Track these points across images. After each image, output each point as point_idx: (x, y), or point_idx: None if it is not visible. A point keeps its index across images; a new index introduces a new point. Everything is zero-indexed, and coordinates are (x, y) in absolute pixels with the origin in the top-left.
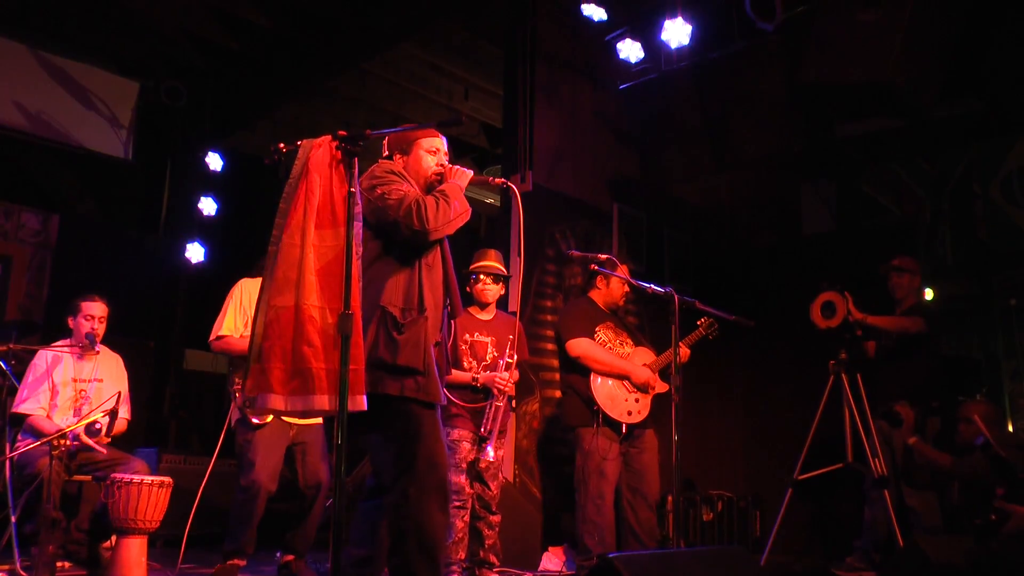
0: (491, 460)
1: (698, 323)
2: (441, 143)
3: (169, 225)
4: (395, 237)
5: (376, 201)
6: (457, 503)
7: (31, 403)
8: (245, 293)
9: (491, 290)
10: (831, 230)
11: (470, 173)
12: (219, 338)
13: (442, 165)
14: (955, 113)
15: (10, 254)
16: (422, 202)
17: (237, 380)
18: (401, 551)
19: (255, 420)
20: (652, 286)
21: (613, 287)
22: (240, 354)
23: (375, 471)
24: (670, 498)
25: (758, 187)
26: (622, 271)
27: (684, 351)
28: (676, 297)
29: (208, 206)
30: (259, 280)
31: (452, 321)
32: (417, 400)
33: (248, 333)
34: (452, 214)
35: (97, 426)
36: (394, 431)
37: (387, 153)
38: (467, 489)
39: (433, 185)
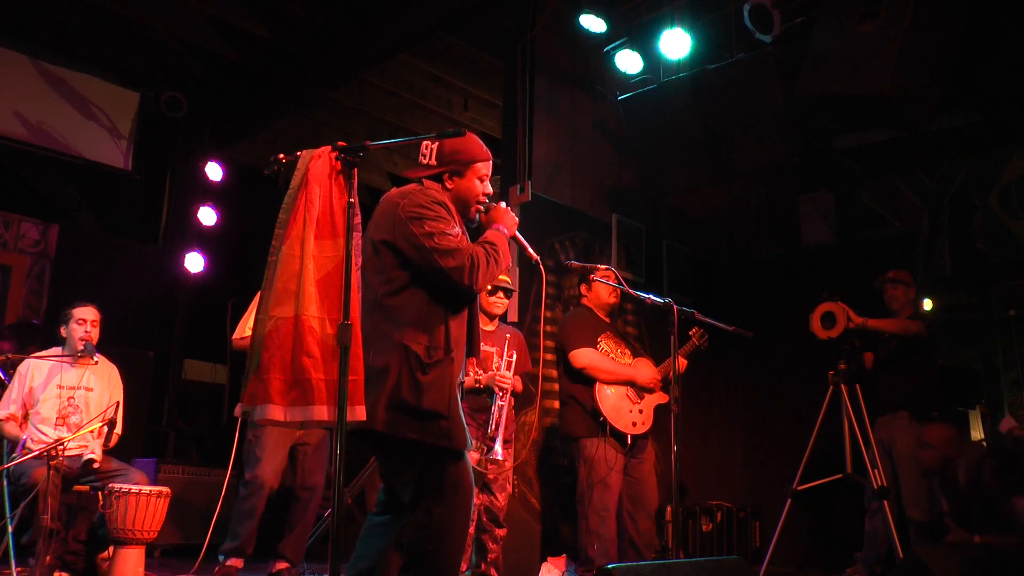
0: (499, 459)
1: (689, 333)
2: (490, 169)
3: (168, 235)
4: (433, 279)
5: (423, 239)
6: None
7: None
8: None
9: (502, 303)
10: (830, 241)
11: (516, 223)
12: (242, 338)
13: (487, 196)
14: (953, 125)
15: (9, 264)
16: (476, 259)
17: None
18: (415, 570)
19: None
20: (651, 297)
21: (597, 290)
22: None
23: (388, 487)
24: (669, 508)
25: (757, 198)
26: (606, 273)
27: (681, 361)
28: (675, 308)
29: (207, 216)
30: None
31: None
32: (439, 447)
33: None
34: (497, 271)
35: (95, 465)
36: (417, 460)
37: (431, 162)
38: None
39: (475, 219)
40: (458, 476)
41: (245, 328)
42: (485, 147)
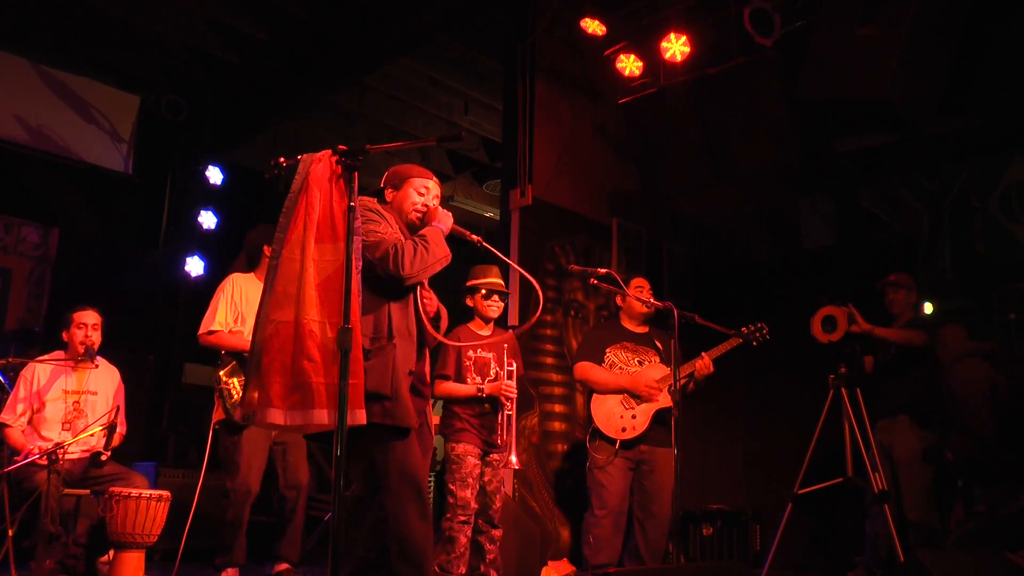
0: (515, 467)
1: (742, 330)
2: (434, 186)
3: (169, 238)
4: (367, 274)
5: None
6: (462, 517)
7: (7, 415)
8: (236, 288)
9: (498, 307)
10: (830, 244)
11: (451, 218)
12: (211, 332)
13: (426, 205)
14: (953, 128)
15: (10, 267)
16: (400, 248)
17: (223, 377)
18: (387, 563)
19: (239, 420)
20: (652, 299)
21: (630, 302)
22: (230, 349)
23: None
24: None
25: (757, 201)
26: (639, 282)
27: (703, 361)
28: (676, 311)
29: (208, 220)
30: (250, 276)
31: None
32: (384, 425)
33: (238, 328)
34: (430, 260)
35: (103, 458)
36: (364, 452)
37: (382, 185)
38: (472, 503)
39: (414, 223)
40: (404, 464)
41: (212, 322)
42: (427, 170)
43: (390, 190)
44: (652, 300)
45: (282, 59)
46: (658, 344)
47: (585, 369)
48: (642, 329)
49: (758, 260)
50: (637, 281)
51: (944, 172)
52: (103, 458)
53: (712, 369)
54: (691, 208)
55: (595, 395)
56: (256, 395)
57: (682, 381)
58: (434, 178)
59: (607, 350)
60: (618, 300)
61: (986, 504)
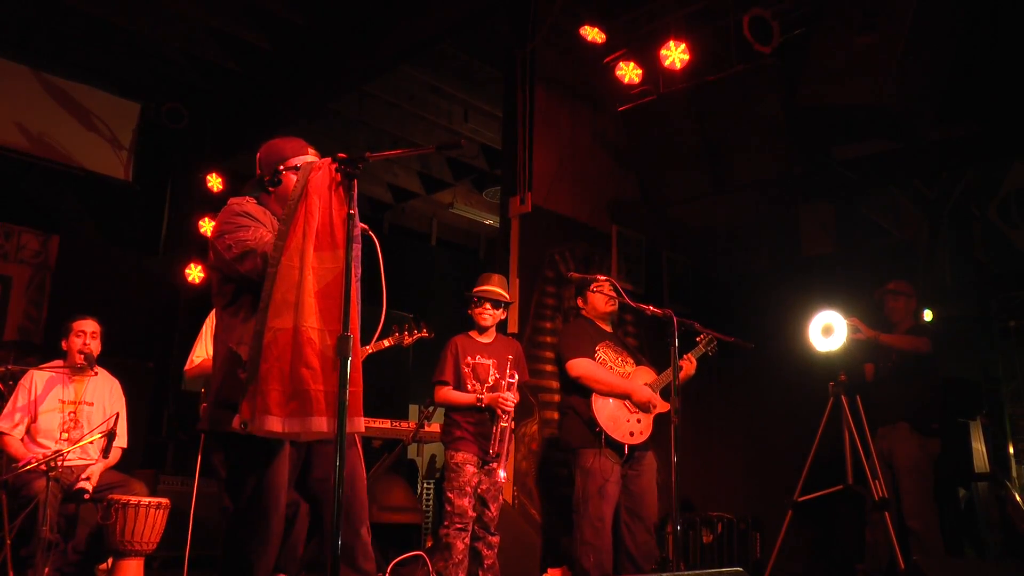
0: (502, 482)
1: (697, 340)
2: (312, 159)
3: (169, 246)
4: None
5: (223, 253)
6: (459, 525)
7: (4, 423)
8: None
9: (490, 315)
10: (830, 252)
11: None
12: (191, 369)
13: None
14: (952, 135)
15: (10, 275)
16: (263, 253)
17: None
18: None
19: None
20: (651, 307)
21: (593, 300)
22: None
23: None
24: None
25: (757, 209)
26: (602, 286)
27: (691, 364)
28: (675, 319)
29: (208, 227)
30: None
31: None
32: (255, 437)
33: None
34: None
35: (86, 496)
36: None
37: (258, 174)
38: (469, 512)
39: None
40: (258, 488)
41: (193, 358)
42: (300, 142)
43: (268, 184)
44: (627, 299)
45: (282, 67)
46: (628, 343)
47: (586, 366)
48: (609, 329)
49: (758, 268)
50: (600, 282)
51: (943, 179)
52: (86, 496)
53: (694, 371)
54: (691, 216)
55: (595, 396)
56: (254, 402)
57: (666, 383)
58: (310, 150)
59: (597, 347)
60: (579, 301)
61: None
